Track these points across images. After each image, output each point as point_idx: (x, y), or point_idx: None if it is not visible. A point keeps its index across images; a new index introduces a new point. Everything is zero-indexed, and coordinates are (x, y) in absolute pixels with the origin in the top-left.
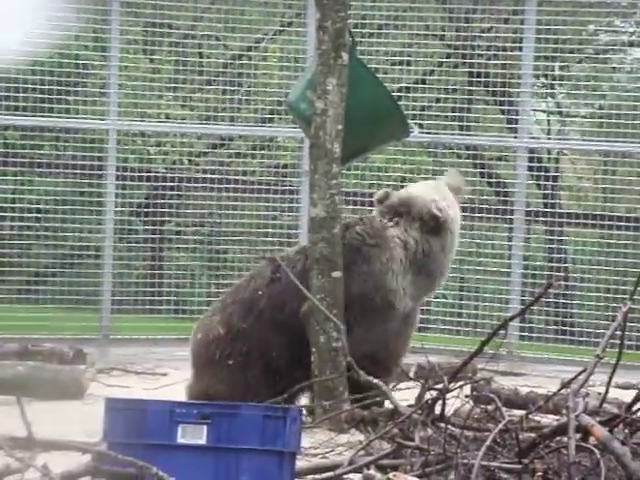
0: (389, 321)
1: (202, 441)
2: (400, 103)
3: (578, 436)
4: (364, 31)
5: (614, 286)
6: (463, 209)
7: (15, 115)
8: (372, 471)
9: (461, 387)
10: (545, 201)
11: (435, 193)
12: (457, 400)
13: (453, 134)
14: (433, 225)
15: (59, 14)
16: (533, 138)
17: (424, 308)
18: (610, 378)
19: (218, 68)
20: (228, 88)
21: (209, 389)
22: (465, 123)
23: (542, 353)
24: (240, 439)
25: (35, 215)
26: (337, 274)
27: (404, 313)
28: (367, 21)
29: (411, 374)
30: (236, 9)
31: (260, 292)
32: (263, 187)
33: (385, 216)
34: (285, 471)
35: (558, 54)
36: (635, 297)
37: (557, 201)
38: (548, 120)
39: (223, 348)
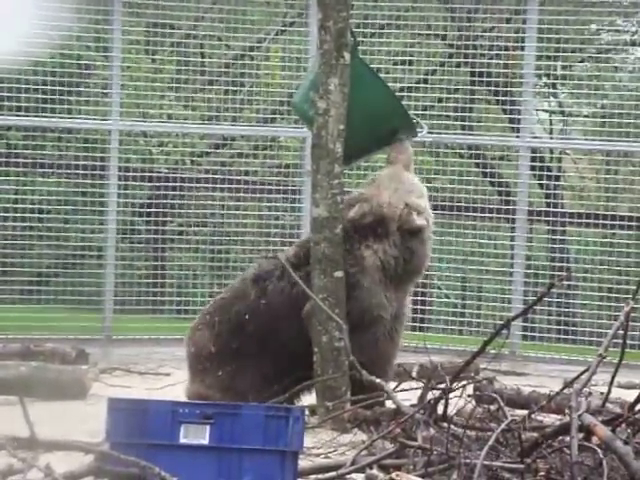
0: (379, 330)
1: (204, 441)
2: (403, 103)
3: (581, 436)
4: (366, 31)
5: (617, 286)
6: (465, 209)
7: (17, 115)
8: (375, 471)
9: (464, 387)
10: (547, 201)
11: (404, 191)
12: (460, 400)
13: (455, 134)
14: (415, 231)
15: (61, 14)
16: (535, 138)
17: (426, 308)
18: (613, 378)
19: (220, 68)
20: (230, 88)
21: (202, 393)
22: (467, 123)
23: (545, 353)
24: (242, 439)
25: (37, 215)
26: (339, 274)
27: (392, 317)
28: (369, 21)
29: (414, 374)
30: (238, 9)
31: (247, 316)
32: (265, 187)
33: (362, 240)
34: (287, 471)
35: (560, 54)
36: (638, 297)
37: (559, 201)
38: (550, 120)
39: (215, 363)
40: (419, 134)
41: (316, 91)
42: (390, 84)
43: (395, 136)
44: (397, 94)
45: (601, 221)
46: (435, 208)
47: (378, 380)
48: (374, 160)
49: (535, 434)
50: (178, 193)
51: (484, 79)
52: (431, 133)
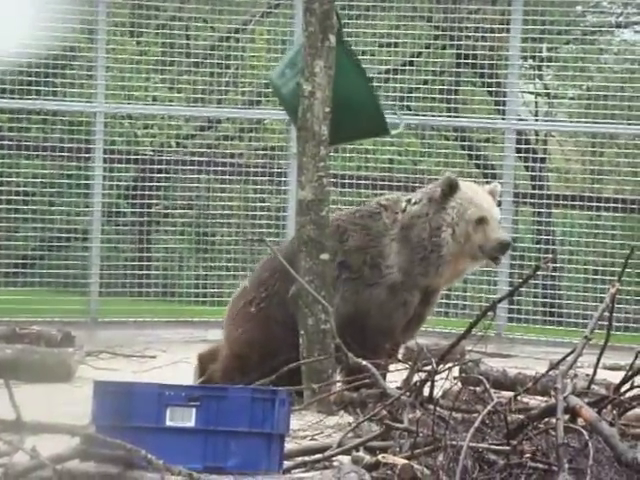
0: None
1: (191, 423)
2: (388, 85)
3: (566, 417)
4: (351, 13)
5: (602, 267)
6: None
7: (2, 97)
8: (361, 453)
9: (450, 369)
10: (533, 183)
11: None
12: (446, 382)
13: (441, 116)
14: None
15: None
16: (521, 120)
17: None
18: (598, 359)
19: (205, 50)
20: (215, 70)
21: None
22: (453, 105)
23: (530, 335)
24: (229, 421)
25: (22, 198)
26: (325, 256)
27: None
28: (354, 3)
29: (399, 356)
30: None
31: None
32: (251, 169)
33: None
34: (274, 453)
35: (546, 35)
36: (623, 278)
37: (545, 183)
38: (536, 102)
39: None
40: (392, 131)
41: (295, 71)
42: (375, 66)
43: (369, 130)
44: (383, 76)
45: (586, 203)
46: None
47: (364, 362)
48: (359, 142)
49: (521, 416)
50: (163, 175)
51: (470, 61)
52: (416, 115)
